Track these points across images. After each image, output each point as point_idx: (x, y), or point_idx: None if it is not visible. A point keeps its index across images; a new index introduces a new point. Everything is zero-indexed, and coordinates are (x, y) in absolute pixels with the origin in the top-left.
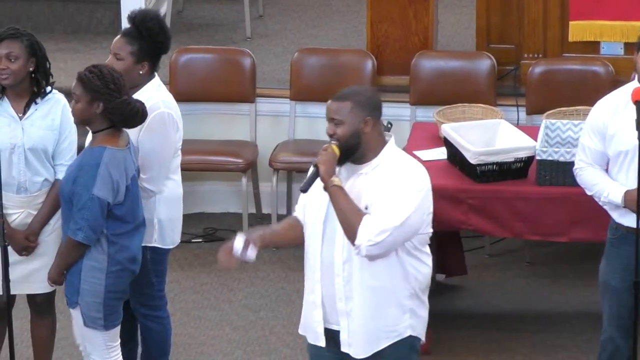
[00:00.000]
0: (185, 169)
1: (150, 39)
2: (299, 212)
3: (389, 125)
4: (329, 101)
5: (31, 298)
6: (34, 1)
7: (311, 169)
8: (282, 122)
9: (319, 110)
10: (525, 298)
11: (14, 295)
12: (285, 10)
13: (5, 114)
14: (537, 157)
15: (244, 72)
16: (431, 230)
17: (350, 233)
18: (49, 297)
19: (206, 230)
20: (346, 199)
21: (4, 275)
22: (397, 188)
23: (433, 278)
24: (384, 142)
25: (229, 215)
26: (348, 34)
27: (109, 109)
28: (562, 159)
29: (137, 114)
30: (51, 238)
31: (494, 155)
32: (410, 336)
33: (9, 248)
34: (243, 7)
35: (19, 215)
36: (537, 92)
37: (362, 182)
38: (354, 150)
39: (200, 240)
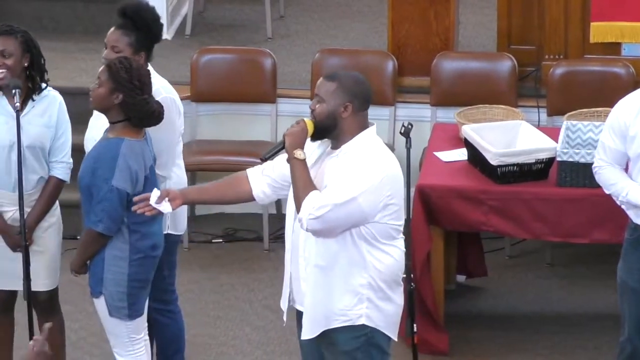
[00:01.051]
0: (206, 169)
1: (145, 29)
2: (256, 173)
3: (410, 127)
4: (321, 77)
5: (34, 297)
6: (56, 2)
7: (279, 139)
8: None
9: None
10: (546, 299)
11: (16, 292)
12: (306, 10)
13: (3, 111)
14: (558, 159)
15: (265, 72)
16: (398, 223)
17: (298, 206)
18: (51, 296)
19: (226, 231)
20: (302, 172)
21: (25, 274)
22: (352, 170)
23: (454, 279)
24: (362, 130)
25: (249, 215)
26: (369, 35)
27: (128, 103)
28: (582, 160)
29: (153, 115)
30: (48, 234)
31: (515, 156)
32: (364, 325)
33: (4, 245)
34: (264, 8)
35: (13, 212)
36: (558, 94)
37: (330, 164)
38: (328, 131)
39: (220, 240)
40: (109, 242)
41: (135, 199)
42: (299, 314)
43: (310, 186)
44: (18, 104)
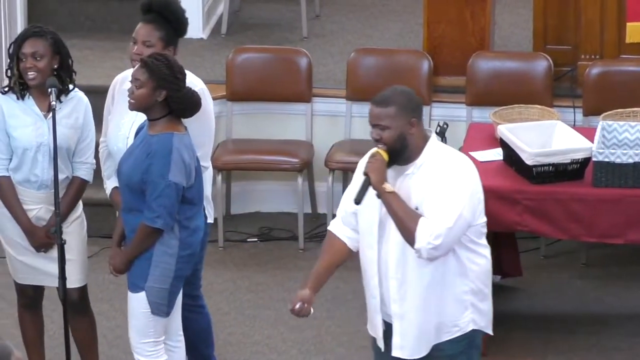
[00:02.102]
0: (242, 168)
1: (175, 23)
2: (340, 226)
3: (445, 126)
4: (371, 106)
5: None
6: (91, 0)
7: (361, 179)
8: (338, 122)
9: None
10: (581, 300)
11: (42, 288)
12: (341, 10)
13: (31, 113)
14: (594, 159)
15: (300, 72)
16: (485, 219)
17: (410, 237)
18: (82, 293)
19: (261, 230)
20: (400, 204)
21: (60, 273)
22: (444, 186)
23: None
24: (426, 140)
25: (284, 214)
26: (404, 34)
27: (174, 98)
28: (618, 160)
29: (197, 105)
30: (71, 229)
31: (550, 156)
32: (472, 330)
33: (27, 243)
34: (300, 7)
35: (37, 210)
36: (593, 94)
37: (409, 183)
38: (402, 153)
39: (255, 239)
40: (160, 238)
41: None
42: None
43: (416, 215)
44: (54, 102)
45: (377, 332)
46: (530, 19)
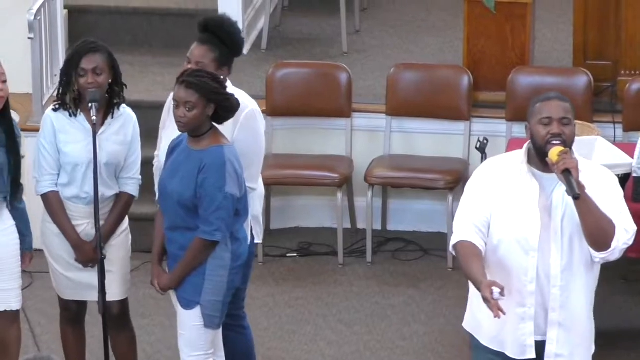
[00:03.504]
0: (281, 183)
1: (231, 44)
2: (474, 235)
3: (485, 142)
4: (552, 101)
5: (106, 311)
6: (133, 15)
7: (560, 175)
8: (377, 137)
9: (415, 125)
10: (621, 315)
11: (85, 303)
12: (382, 25)
13: (82, 129)
14: (634, 174)
15: (340, 87)
16: None
17: (607, 236)
18: (123, 307)
19: (301, 245)
20: (595, 204)
21: (100, 287)
22: (611, 190)
23: None
24: None
25: (324, 230)
26: (444, 50)
27: (224, 107)
28: None
29: (237, 107)
30: (117, 242)
31: None
32: None
33: (72, 258)
34: (340, 22)
35: (85, 226)
36: (634, 109)
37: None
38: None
39: (295, 254)
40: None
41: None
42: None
43: (607, 214)
44: (95, 117)
45: (524, 341)
46: (571, 34)
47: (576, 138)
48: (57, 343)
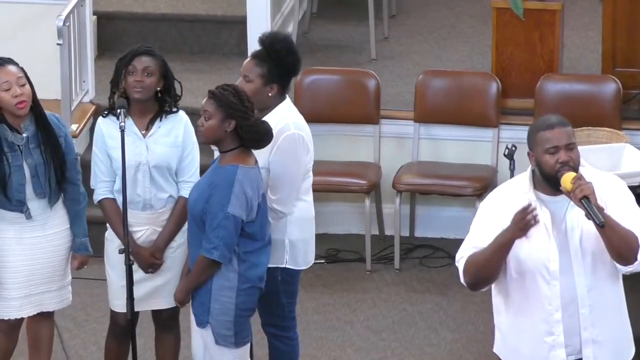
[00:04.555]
0: None
1: (278, 61)
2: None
3: (513, 149)
4: (555, 129)
5: (157, 314)
6: (162, 21)
7: (578, 203)
8: (406, 143)
9: (443, 132)
10: None
11: (137, 313)
12: (410, 32)
13: (130, 132)
14: None
15: (368, 93)
16: None
17: (631, 253)
18: (174, 312)
19: (329, 252)
20: (616, 222)
21: (128, 294)
22: (624, 200)
23: None
24: None
25: (352, 236)
26: (473, 56)
27: (243, 127)
28: None
29: (267, 134)
30: (176, 254)
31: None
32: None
33: (135, 265)
34: (368, 29)
35: (144, 232)
36: None
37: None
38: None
39: (322, 261)
40: (217, 271)
41: None
42: None
43: (627, 227)
44: (123, 123)
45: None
46: (599, 41)
47: (604, 145)
48: (85, 349)
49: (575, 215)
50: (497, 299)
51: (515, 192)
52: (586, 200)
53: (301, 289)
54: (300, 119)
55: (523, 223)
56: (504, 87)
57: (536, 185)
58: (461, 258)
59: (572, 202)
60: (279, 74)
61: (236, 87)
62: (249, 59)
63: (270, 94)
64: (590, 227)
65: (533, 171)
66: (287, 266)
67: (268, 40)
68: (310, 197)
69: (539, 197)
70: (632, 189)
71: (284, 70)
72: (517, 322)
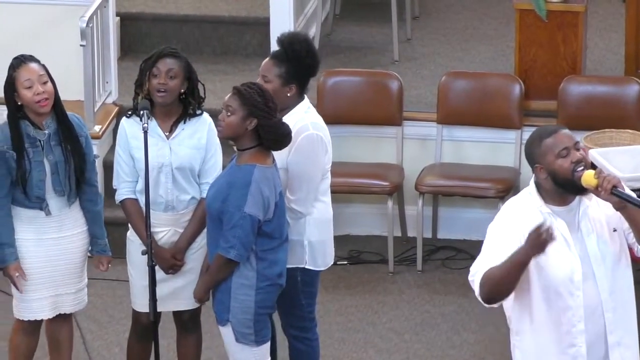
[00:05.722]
0: (332, 191)
1: (297, 62)
2: None
3: None
4: (562, 130)
5: (178, 315)
6: (184, 23)
7: (609, 196)
8: (428, 145)
9: (465, 133)
10: None
11: (159, 313)
12: (433, 33)
13: (153, 134)
14: None
15: (391, 95)
16: None
17: None
18: (195, 314)
19: (351, 253)
20: None
21: (151, 295)
22: None
23: None
24: None
25: (374, 238)
26: (496, 58)
27: (264, 127)
28: None
29: (287, 136)
30: (197, 255)
31: None
32: None
33: (156, 266)
34: (391, 31)
35: (165, 233)
36: None
37: (595, 211)
38: None
39: (345, 262)
40: (236, 270)
41: None
42: None
43: None
44: (146, 125)
45: None
46: (622, 43)
47: (627, 147)
48: (108, 350)
49: (588, 221)
50: (516, 318)
51: (525, 208)
52: (616, 190)
53: (323, 291)
54: (319, 119)
55: (539, 241)
56: (527, 89)
57: (545, 199)
58: (476, 273)
59: (582, 209)
60: (297, 74)
61: (261, 86)
62: (267, 59)
63: (288, 94)
64: (602, 228)
65: (537, 186)
66: (307, 267)
67: (287, 41)
68: (328, 198)
69: (552, 209)
70: None
71: (303, 71)
72: (540, 337)
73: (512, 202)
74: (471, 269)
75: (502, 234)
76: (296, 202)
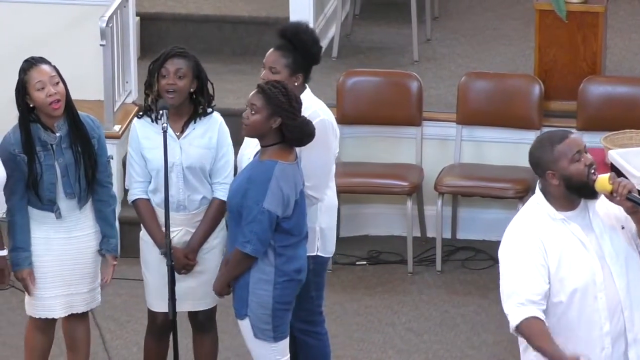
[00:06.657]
0: (351, 191)
1: (304, 51)
2: (535, 309)
3: None
4: (570, 135)
5: (193, 315)
6: (204, 23)
7: (625, 201)
8: (448, 145)
9: (485, 134)
10: None
11: (176, 313)
12: (453, 34)
13: (163, 134)
14: None
15: (410, 95)
16: None
17: None
18: (210, 314)
19: (370, 253)
20: None
21: (170, 294)
22: None
23: None
24: None
25: (394, 238)
26: (516, 59)
27: (288, 126)
28: None
29: (311, 135)
30: (209, 256)
31: None
32: None
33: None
34: (411, 31)
35: (177, 233)
36: None
37: (600, 207)
38: None
39: (364, 263)
40: (254, 265)
41: None
42: None
43: None
44: (165, 124)
45: None
46: None
47: None
48: (127, 349)
49: (599, 222)
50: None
51: (536, 218)
52: (632, 195)
53: (342, 291)
54: (323, 105)
55: None
56: (547, 90)
57: (554, 206)
58: (520, 305)
59: (591, 209)
60: (303, 63)
61: (286, 85)
62: (272, 50)
63: (296, 84)
64: (612, 226)
65: (545, 194)
66: (319, 254)
67: (291, 31)
68: (334, 184)
69: (564, 215)
70: None
71: (309, 60)
72: (569, 347)
73: (520, 218)
74: (503, 289)
75: (522, 251)
76: (312, 189)
